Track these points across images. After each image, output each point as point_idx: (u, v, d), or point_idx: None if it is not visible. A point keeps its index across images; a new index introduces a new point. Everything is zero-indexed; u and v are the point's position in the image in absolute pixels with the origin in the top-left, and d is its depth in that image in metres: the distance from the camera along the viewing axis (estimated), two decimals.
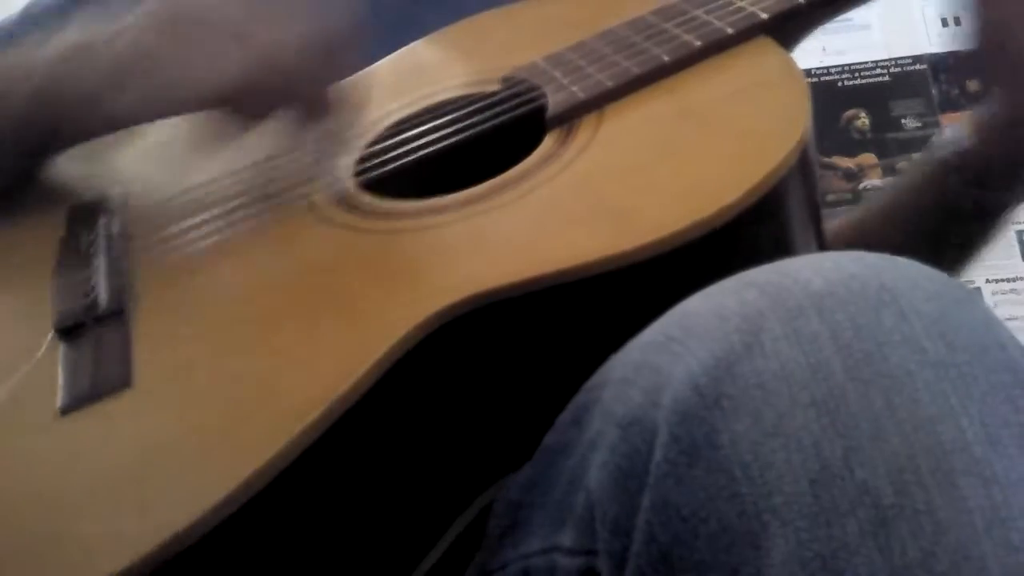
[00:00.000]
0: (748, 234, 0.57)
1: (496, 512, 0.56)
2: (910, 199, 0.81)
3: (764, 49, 0.68)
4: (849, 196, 1.51)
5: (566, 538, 0.51)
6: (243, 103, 0.63)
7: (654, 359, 0.47)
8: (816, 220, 0.64)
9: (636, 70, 0.67)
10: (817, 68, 1.60)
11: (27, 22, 0.89)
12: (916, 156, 0.81)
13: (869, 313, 0.43)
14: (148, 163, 0.75)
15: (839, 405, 0.41)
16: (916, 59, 1.60)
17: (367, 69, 0.79)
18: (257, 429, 0.51)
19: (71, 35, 0.67)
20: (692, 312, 0.47)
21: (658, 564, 0.44)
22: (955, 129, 0.77)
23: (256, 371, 0.55)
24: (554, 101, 0.68)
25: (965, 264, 0.81)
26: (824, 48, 1.60)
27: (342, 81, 0.67)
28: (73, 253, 0.66)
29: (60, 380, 0.56)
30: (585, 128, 0.65)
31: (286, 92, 0.64)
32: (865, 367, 0.42)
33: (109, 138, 0.75)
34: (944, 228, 0.78)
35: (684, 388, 0.44)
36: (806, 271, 0.46)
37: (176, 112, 0.65)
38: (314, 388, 0.52)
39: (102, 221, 0.68)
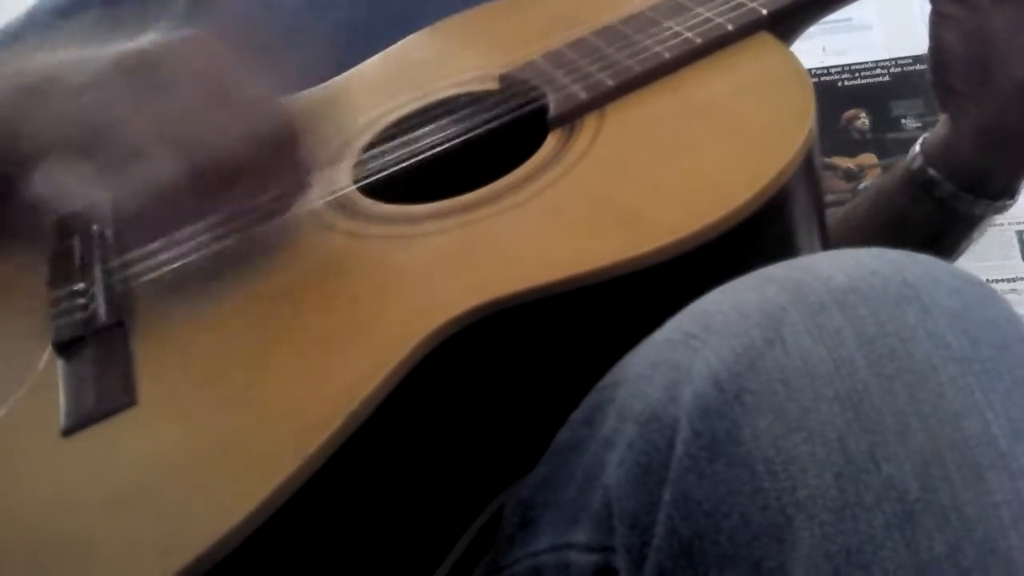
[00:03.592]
0: (756, 234, 0.56)
1: (507, 512, 0.56)
2: (887, 208, 0.81)
3: (765, 45, 0.68)
4: (849, 196, 1.51)
5: (581, 535, 0.51)
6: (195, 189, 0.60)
7: (672, 356, 0.47)
8: (820, 218, 0.63)
9: (637, 68, 0.67)
10: (817, 68, 1.60)
11: (31, 24, 0.88)
12: (896, 162, 0.82)
13: (892, 308, 0.43)
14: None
15: (863, 400, 0.41)
16: (916, 59, 1.60)
17: (361, 65, 0.78)
18: (274, 445, 0.50)
19: (42, 62, 0.65)
20: (710, 309, 0.47)
21: (680, 558, 0.44)
22: (929, 138, 0.77)
23: (266, 385, 0.54)
24: (555, 101, 0.67)
25: None
26: (824, 48, 1.60)
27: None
28: (66, 265, 0.64)
29: (62, 398, 0.55)
30: (587, 128, 0.65)
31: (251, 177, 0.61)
32: (889, 362, 0.42)
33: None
34: (927, 239, 0.78)
35: (704, 384, 0.44)
36: (826, 267, 0.46)
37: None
38: (329, 400, 0.51)
39: (94, 230, 0.66)
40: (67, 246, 0.66)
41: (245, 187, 0.60)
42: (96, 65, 0.61)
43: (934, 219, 0.77)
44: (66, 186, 0.67)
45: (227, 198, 0.60)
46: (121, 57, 0.60)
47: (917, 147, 0.77)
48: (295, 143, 0.60)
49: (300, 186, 0.62)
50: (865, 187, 1.51)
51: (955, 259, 0.81)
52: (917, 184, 0.77)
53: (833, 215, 0.88)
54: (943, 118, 0.76)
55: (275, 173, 0.61)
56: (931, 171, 0.76)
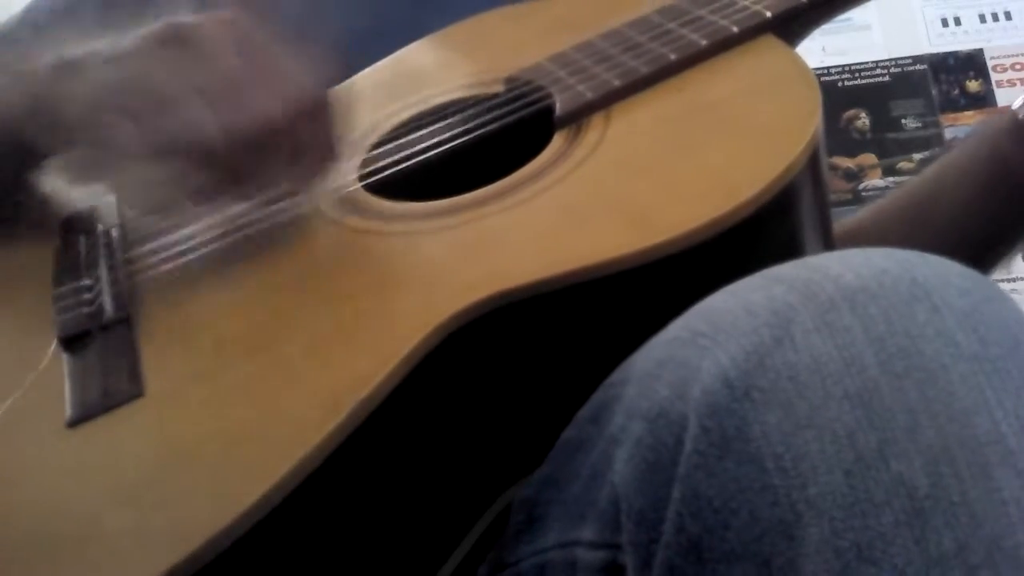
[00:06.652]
0: (762, 231, 0.57)
1: (513, 509, 0.56)
2: (961, 200, 0.78)
3: (771, 47, 0.68)
4: (849, 196, 1.51)
5: (587, 532, 0.51)
6: (231, 160, 0.60)
7: (680, 354, 0.47)
8: (825, 218, 0.64)
9: (644, 69, 0.67)
10: (817, 68, 1.60)
11: (27, 24, 0.88)
12: (953, 152, 0.79)
13: (902, 307, 0.43)
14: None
15: (873, 398, 0.42)
16: (916, 59, 1.61)
17: (369, 68, 0.79)
18: (280, 435, 0.50)
19: (69, 48, 0.64)
20: (718, 308, 0.47)
21: (689, 555, 0.44)
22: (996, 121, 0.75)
23: (273, 377, 0.54)
24: (562, 101, 0.67)
25: (999, 266, 0.81)
26: (824, 48, 1.61)
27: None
28: (72, 262, 0.64)
29: (67, 391, 0.55)
30: (594, 128, 0.65)
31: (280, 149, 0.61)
32: (899, 360, 0.42)
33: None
34: (1001, 231, 0.77)
35: (713, 381, 0.44)
36: (836, 266, 0.46)
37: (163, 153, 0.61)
38: (336, 392, 0.51)
39: (100, 228, 0.66)
40: (73, 243, 0.66)
41: (279, 155, 0.61)
42: (131, 39, 0.61)
43: None
44: (73, 183, 0.68)
45: (262, 165, 0.61)
46: (155, 30, 0.61)
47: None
48: (328, 115, 0.62)
49: (331, 158, 0.63)
50: (866, 187, 1.52)
51: None
52: None
53: (911, 180, 0.86)
54: None
55: (308, 143, 0.62)
56: None
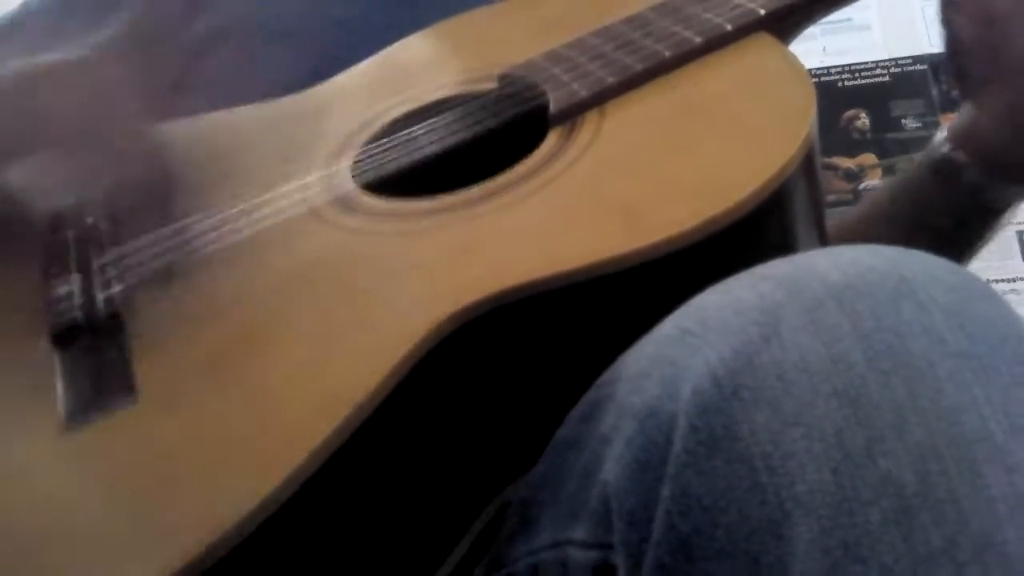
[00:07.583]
0: (757, 231, 0.57)
1: (508, 510, 0.56)
2: (911, 199, 0.80)
3: (764, 45, 0.68)
4: (849, 196, 1.51)
5: (579, 531, 0.51)
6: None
7: (670, 352, 0.47)
8: (819, 218, 0.63)
9: (638, 66, 0.67)
10: (817, 68, 1.60)
11: (23, 17, 0.88)
12: (916, 156, 0.81)
13: (889, 304, 0.43)
14: None
15: (860, 395, 0.41)
16: (916, 59, 1.61)
17: (362, 64, 0.78)
18: (276, 440, 0.50)
19: None
20: (707, 306, 0.47)
21: (678, 554, 0.44)
22: (955, 124, 0.77)
23: (267, 380, 0.54)
24: (555, 99, 0.67)
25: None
26: (824, 48, 1.61)
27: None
28: (62, 258, 0.64)
29: (59, 392, 0.55)
30: (587, 125, 0.65)
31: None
32: (886, 358, 0.42)
33: None
34: (952, 229, 0.78)
35: (702, 380, 0.44)
36: (823, 264, 0.46)
37: None
38: (331, 396, 0.51)
39: (88, 223, 0.66)
40: (61, 239, 0.65)
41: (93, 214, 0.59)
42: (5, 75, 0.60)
43: (961, 206, 0.76)
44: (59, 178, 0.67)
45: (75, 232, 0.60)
46: (20, 67, 0.60)
47: (942, 133, 0.76)
48: (162, 187, 0.60)
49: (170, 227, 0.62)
50: (866, 187, 1.52)
51: (976, 251, 0.80)
52: (944, 170, 0.75)
53: (849, 212, 0.88)
54: (966, 104, 0.75)
55: (133, 210, 0.60)
56: (958, 156, 0.74)
